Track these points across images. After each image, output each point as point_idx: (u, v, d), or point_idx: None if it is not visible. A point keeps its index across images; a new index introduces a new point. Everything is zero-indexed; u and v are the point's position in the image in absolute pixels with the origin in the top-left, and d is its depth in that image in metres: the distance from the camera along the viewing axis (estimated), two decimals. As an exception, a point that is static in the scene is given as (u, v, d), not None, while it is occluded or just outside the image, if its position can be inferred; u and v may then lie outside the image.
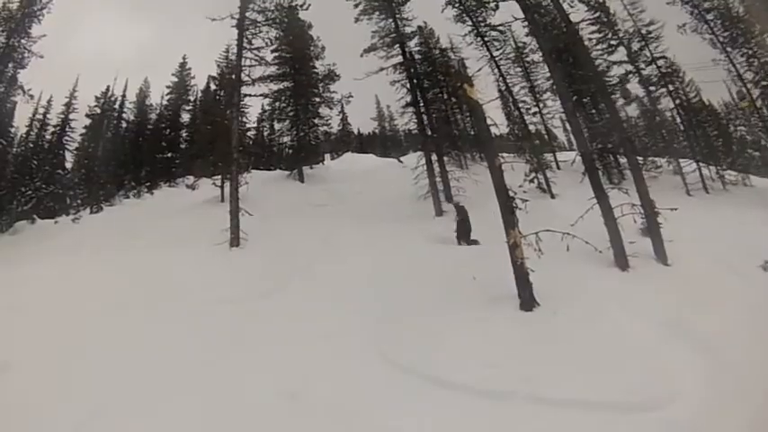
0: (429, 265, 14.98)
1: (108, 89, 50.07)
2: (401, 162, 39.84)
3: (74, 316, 12.31)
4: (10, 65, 34.97)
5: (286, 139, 43.99)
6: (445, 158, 27.51)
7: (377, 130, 67.98)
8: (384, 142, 64.81)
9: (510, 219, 11.52)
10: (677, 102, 29.83)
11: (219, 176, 30.79)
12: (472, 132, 36.33)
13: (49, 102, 47.62)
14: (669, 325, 10.01)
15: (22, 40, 35.21)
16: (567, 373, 8.29)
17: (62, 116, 47.52)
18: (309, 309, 12.60)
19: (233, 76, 26.71)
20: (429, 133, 27.74)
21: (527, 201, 12.45)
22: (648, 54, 29.13)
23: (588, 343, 9.27)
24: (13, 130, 43.98)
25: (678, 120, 30.70)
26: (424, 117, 27.77)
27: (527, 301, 11.17)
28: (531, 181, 23.53)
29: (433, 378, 8.57)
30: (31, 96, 37.14)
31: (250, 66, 25.18)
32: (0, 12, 34.27)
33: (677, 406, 7.56)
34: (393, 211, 24.14)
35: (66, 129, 47.04)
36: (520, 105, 32.00)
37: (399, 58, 28.00)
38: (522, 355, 9.05)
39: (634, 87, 29.62)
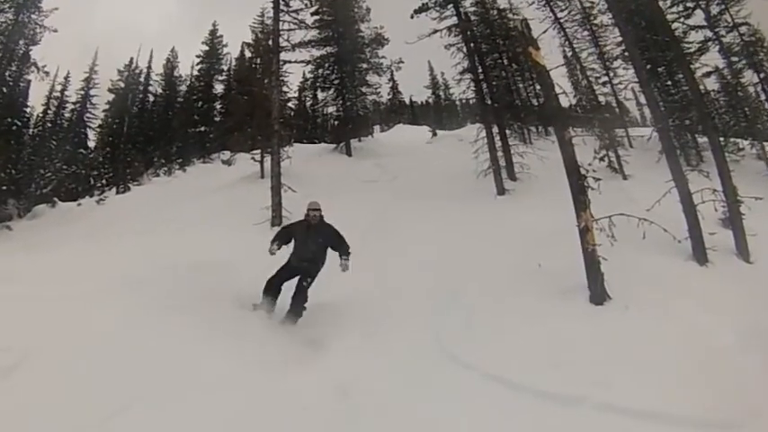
0: (491, 250, 14.59)
1: (131, 61, 50.32)
2: (434, 134, 40.67)
3: (100, 303, 11.72)
4: (21, 41, 35.53)
5: (331, 109, 43.50)
6: (507, 132, 26.51)
7: (431, 100, 67.18)
8: (439, 112, 64.01)
9: (581, 200, 11.05)
10: (762, 76, 27.99)
11: (259, 151, 30.82)
12: (536, 103, 36.19)
13: (66, 78, 48.16)
14: (750, 333, 9.41)
15: (33, 15, 35.63)
16: (641, 379, 7.84)
17: (82, 92, 48.15)
18: (361, 295, 12.59)
19: (270, 42, 26.61)
20: (489, 103, 26.87)
21: (600, 180, 11.94)
22: (729, 19, 27.30)
23: (662, 345, 8.73)
24: (28, 109, 44.13)
25: (763, 97, 28.94)
26: (483, 85, 26.84)
27: (597, 294, 10.65)
28: (602, 159, 22.90)
29: (495, 376, 8.20)
30: (47, 73, 37.54)
31: (288, 30, 25.16)
32: (6, -13, 33.77)
33: (758, 426, 7.16)
34: (450, 188, 23.56)
35: (87, 105, 47.56)
36: (588, 74, 31.35)
37: (454, 20, 27.12)
38: (592, 355, 8.56)
39: (714, 57, 27.76)
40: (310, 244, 11.67)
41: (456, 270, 13.48)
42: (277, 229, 19.26)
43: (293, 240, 11.97)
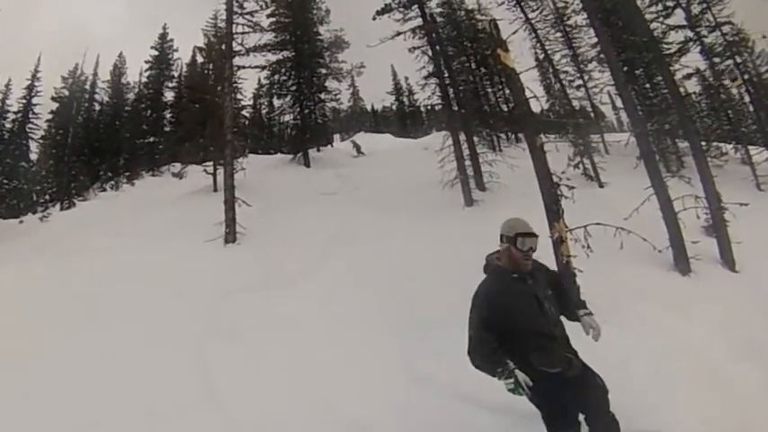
0: (458, 263, 13.11)
1: (76, 67, 49.95)
2: (361, 153, 39.98)
3: (44, 330, 12.29)
4: (-42, 47, 34.84)
5: (288, 117, 43.45)
6: (475, 139, 26.13)
7: (394, 106, 67.44)
8: (403, 119, 64.28)
9: (554, 209, 11.01)
10: (745, 77, 28.10)
11: (211, 163, 30.82)
12: (506, 108, 36.22)
13: (7, 86, 47.72)
14: (739, 343, 9.53)
15: None
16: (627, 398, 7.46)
17: (23, 101, 47.55)
18: (319, 314, 12.54)
19: (223, 46, 26.28)
20: (455, 109, 26.58)
21: (574, 188, 12.10)
22: (711, 18, 27.15)
23: (647, 361, 8.75)
24: (-36, 121, 42.64)
25: (747, 99, 29.19)
26: (450, 90, 26.44)
27: None
28: (576, 166, 22.90)
29: (469, 397, 8.28)
30: None
31: (243, 33, 24.84)
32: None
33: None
34: (415, 200, 23.29)
35: (30, 115, 47.17)
36: (561, 77, 31.51)
37: (419, 21, 26.49)
38: None
39: (695, 58, 27.54)
40: (548, 309, 6.12)
41: (423, 288, 13.17)
42: (232, 246, 19.83)
43: (511, 318, 5.99)
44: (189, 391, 9.35)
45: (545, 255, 10.38)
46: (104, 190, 42.06)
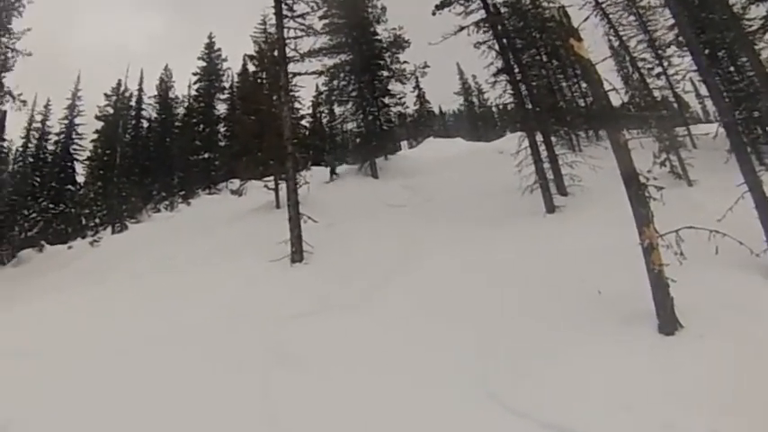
0: (542, 276, 14.12)
1: (120, 84, 50.69)
2: (334, 173, 38.37)
3: (96, 359, 12.57)
4: (-9, 68, 34.84)
5: (351, 125, 42.85)
6: (553, 139, 25.61)
7: (463, 108, 66.94)
8: (474, 122, 63.73)
9: (643, 213, 10.49)
10: None
11: (272, 177, 30.95)
12: (583, 104, 35.86)
13: (46, 106, 48.94)
14: None
15: (2, 39, 35.30)
16: (725, 422, 7.55)
17: (65, 122, 48.80)
18: (389, 336, 12.31)
19: (275, 53, 26.19)
20: (529, 107, 26.01)
21: (662, 188, 11.49)
22: None
23: (746, 381, 8.30)
24: (5, 144, 45.04)
25: None
26: (522, 86, 25.80)
27: (667, 322, 10.15)
28: (663, 163, 22.36)
29: (555, 426, 8.04)
30: (24, 102, 36.99)
31: (295, 38, 24.42)
32: (-30, 10, 33.77)
33: None
34: (491, 209, 22.93)
35: (73, 136, 48.32)
36: (639, 65, 30.66)
37: (482, 13, 25.92)
38: (664, 395, 8.26)
39: None
40: None
41: (503, 301, 13.01)
42: (299, 265, 19.66)
43: None
44: (249, 421, 9.34)
45: (636, 264, 10.48)
46: (158, 211, 42.58)
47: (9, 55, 35.52)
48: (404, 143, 53.34)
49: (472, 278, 15.05)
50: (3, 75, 35.84)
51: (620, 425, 7.80)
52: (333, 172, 37.90)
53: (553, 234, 18.42)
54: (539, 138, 24.07)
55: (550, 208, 22.24)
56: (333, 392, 9.97)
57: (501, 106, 30.57)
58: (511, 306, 12.74)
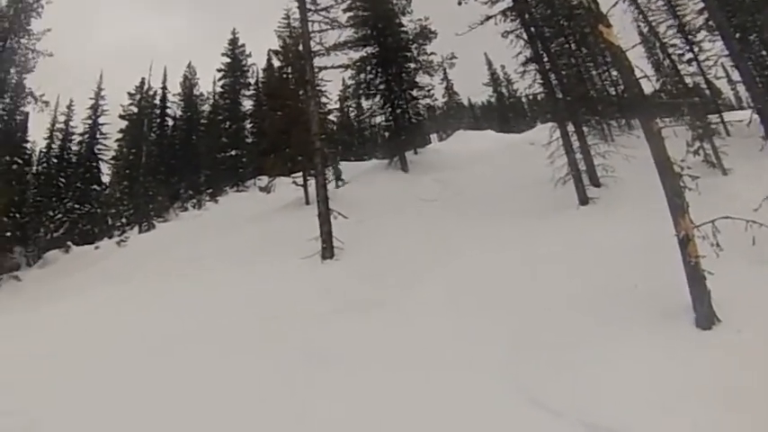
0: (577, 270, 14.02)
1: (143, 82, 50.79)
2: (341, 180, 36.74)
3: (123, 358, 12.66)
4: (12, 70, 35.88)
5: (379, 119, 42.56)
6: (584, 129, 25.14)
7: (492, 99, 66.61)
8: (504, 113, 63.38)
9: (678, 204, 10.26)
10: None
11: (301, 173, 31.18)
12: (614, 92, 35.39)
13: (69, 107, 49.25)
14: None
15: (22, 40, 35.95)
16: (761, 419, 7.49)
17: (89, 122, 49.11)
18: (424, 334, 12.26)
19: (300, 47, 26.53)
20: (560, 96, 25.58)
21: (697, 177, 11.39)
22: None
23: None
24: (28, 145, 45.36)
25: None
26: (552, 76, 25.47)
27: (704, 316, 9.98)
28: (696, 152, 21.67)
29: (592, 425, 7.90)
30: (46, 103, 37.64)
31: (320, 31, 24.58)
32: (-14, 12, 33.79)
33: None
34: (524, 202, 22.90)
35: (97, 135, 48.72)
36: (669, 51, 30.32)
37: (508, 1, 25.58)
38: (701, 392, 8.11)
39: None
40: None
41: (537, 296, 13.04)
42: (330, 262, 19.65)
43: None
44: (280, 420, 9.29)
45: (672, 256, 10.26)
46: (186, 209, 43.22)
47: (29, 56, 36.03)
48: (433, 136, 53.30)
49: (504, 273, 14.97)
50: (24, 76, 36.43)
51: (658, 423, 7.70)
52: (338, 178, 36.43)
53: (587, 227, 18.26)
54: (570, 128, 23.78)
55: (584, 200, 22.08)
56: (364, 390, 9.96)
57: (531, 96, 30.22)
58: (544, 300, 12.72)
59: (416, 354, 11.23)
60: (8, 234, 33.72)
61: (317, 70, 25.18)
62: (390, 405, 9.30)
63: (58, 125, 49.38)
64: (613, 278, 12.82)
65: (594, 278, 13.22)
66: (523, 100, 55.40)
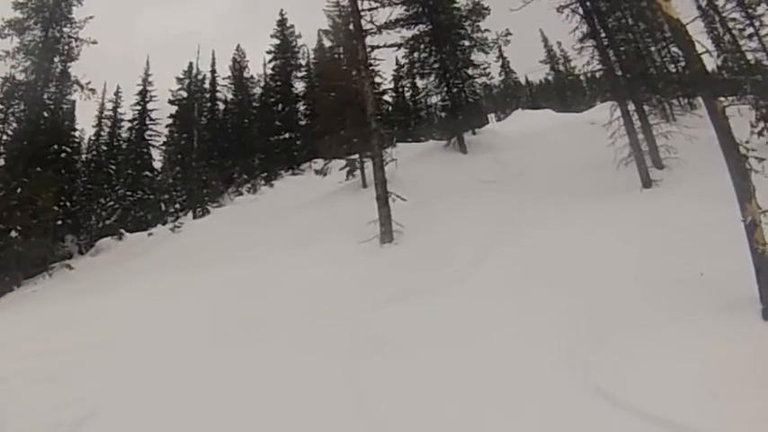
0: (640, 255, 13.74)
1: (191, 66, 51.71)
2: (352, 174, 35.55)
3: (181, 347, 13.03)
4: (56, 59, 36.48)
5: (435, 98, 42.39)
6: (645, 108, 24.08)
7: (550, 77, 66.12)
8: (562, 91, 62.86)
9: (744, 187, 9.80)
10: None
11: (357, 155, 31.24)
12: (673, 69, 34.70)
13: (117, 94, 50.16)
14: None
15: (64, 29, 36.75)
16: None
17: (138, 108, 49.86)
18: (485, 319, 12.17)
19: (351, 26, 26.15)
20: (619, 74, 24.58)
21: (763, 159, 11.01)
22: None
23: None
24: (76, 133, 46.02)
25: None
26: (610, 52, 24.47)
27: None
28: (761, 133, 20.66)
29: (650, 416, 7.68)
30: (92, 91, 38.42)
31: (370, 9, 24.28)
32: (27, 1, 35.38)
33: None
34: (585, 184, 22.55)
35: (147, 121, 49.42)
36: (730, 26, 29.69)
37: None
38: (763, 387, 7.76)
39: None
40: None
41: (599, 280, 12.91)
42: (389, 246, 19.67)
43: None
44: (339, 410, 9.24)
45: (739, 242, 9.93)
46: (240, 194, 43.57)
47: (73, 44, 36.66)
48: (491, 116, 52.96)
49: (566, 256, 14.97)
50: (68, 64, 37.05)
51: (718, 416, 7.44)
52: (350, 173, 34.95)
53: (651, 210, 17.76)
54: (630, 107, 22.97)
55: (646, 182, 21.31)
56: (424, 378, 9.89)
57: (589, 74, 29.34)
58: (606, 284, 12.62)
59: (477, 339, 11.19)
60: (59, 222, 34.55)
61: (369, 49, 24.89)
62: (452, 394, 9.25)
63: (106, 112, 50.51)
64: (678, 264, 12.58)
65: (658, 263, 13.04)
66: (581, 78, 54.42)
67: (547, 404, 8.49)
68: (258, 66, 58.04)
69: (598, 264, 13.87)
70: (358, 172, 31.82)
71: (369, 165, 26.03)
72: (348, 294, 15.22)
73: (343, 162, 33.01)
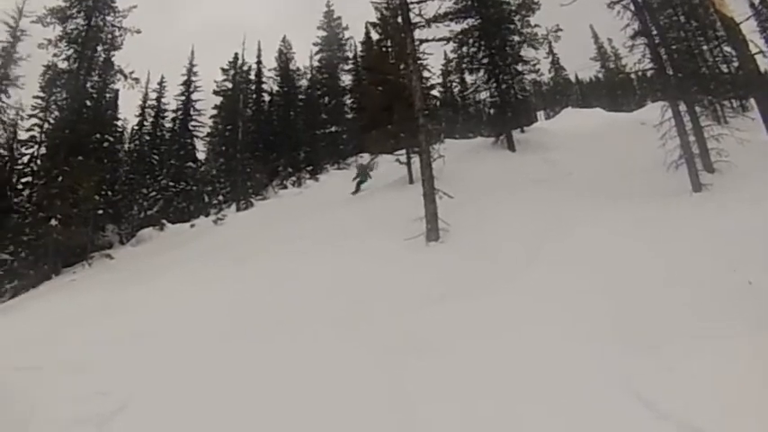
0: (688, 260, 13.37)
1: (236, 57, 52.12)
2: (361, 186, 35.41)
3: (218, 339, 13.11)
4: (99, 48, 37.19)
5: (484, 94, 42.22)
6: (696, 109, 23.29)
7: (600, 75, 65.87)
8: (612, 90, 62.63)
9: None
10: None
11: (404, 151, 31.12)
12: (726, 69, 34.37)
13: (161, 83, 50.90)
14: None
15: (107, 17, 37.47)
16: None
17: (182, 98, 50.61)
18: (535, 322, 11.67)
19: (399, 19, 26.09)
20: (670, 73, 23.90)
21: None
22: None
23: None
24: (119, 123, 46.43)
25: None
26: (661, 50, 23.92)
27: None
28: None
29: (694, 429, 7.36)
30: (136, 80, 38.97)
31: (419, 2, 24.08)
32: (71, -10, 34.78)
33: None
34: (635, 186, 22.32)
35: (191, 112, 50.21)
36: None
37: None
38: None
39: None
40: None
41: (643, 286, 12.48)
42: (435, 245, 19.51)
43: None
44: (380, 418, 8.86)
45: None
46: (285, 187, 44.07)
47: (116, 33, 37.35)
48: (540, 114, 52.95)
49: (614, 259, 14.72)
50: (112, 53, 37.88)
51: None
52: (359, 184, 35.42)
53: (701, 215, 17.35)
54: (682, 107, 22.54)
55: (697, 186, 20.82)
56: (470, 381, 9.58)
57: (640, 73, 29.17)
58: (651, 290, 12.22)
59: (520, 340, 10.89)
60: (100, 212, 35.13)
61: (417, 43, 24.69)
62: (489, 390, 9.15)
63: (149, 102, 51.22)
64: (727, 271, 12.08)
65: (707, 270, 12.54)
66: (632, 76, 54.03)
67: (585, 407, 8.33)
68: (304, 58, 58.91)
69: (644, 267, 13.69)
70: (403, 168, 31.75)
71: (415, 161, 26.41)
72: (391, 292, 15.14)
73: (390, 157, 32.86)
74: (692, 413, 7.65)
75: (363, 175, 35.39)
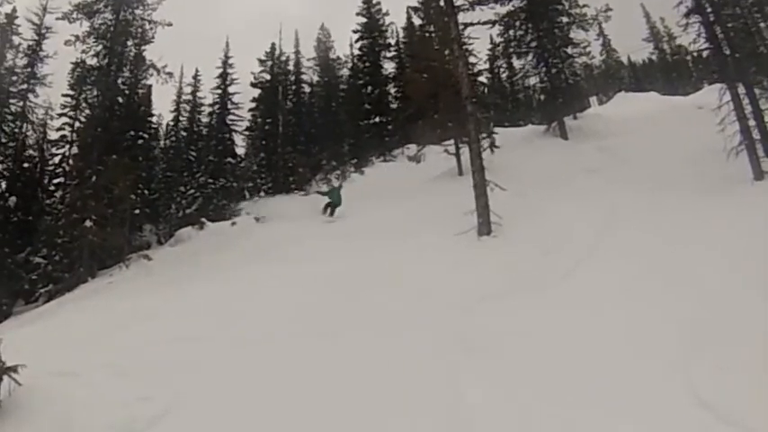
0: (752, 257, 12.71)
1: (273, 48, 51.67)
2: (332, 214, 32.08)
3: (265, 343, 12.88)
4: (129, 42, 37.23)
5: (533, 80, 42.21)
6: (756, 91, 22.62)
7: (653, 56, 65.20)
8: (667, 72, 61.93)
9: None
10: None
11: (452, 141, 31.10)
12: None
13: (195, 77, 51.03)
14: None
15: (136, 11, 37.43)
16: None
17: (218, 91, 50.28)
18: (590, 322, 11.68)
19: (441, 3, 26.10)
20: (727, 53, 23.33)
21: None
22: None
23: None
24: (154, 119, 46.81)
25: None
26: (717, 29, 23.45)
27: None
28: None
29: None
30: (170, 75, 38.72)
31: None
32: (96, -16, 35.08)
33: None
34: (693, 173, 22.03)
35: (228, 106, 49.78)
36: None
37: None
38: None
39: None
40: None
41: (709, 282, 12.29)
42: (487, 239, 19.43)
43: None
44: (435, 417, 8.96)
45: None
46: (329, 181, 43.16)
47: (146, 27, 37.37)
48: (592, 99, 52.41)
49: (677, 254, 14.49)
50: (143, 48, 37.99)
51: None
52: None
53: (761, 206, 16.55)
54: (740, 90, 22.09)
55: (758, 174, 20.47)
56: (527, 385, 9.56)
57: (695, 53, 28.73)
58: (717, 288, 12.02)
59: (579, 341, 10.94)
60: (137, 211, 35.27)
61: (461, 27, 24.67)
62: (544, 392, 9.22)
63: (184, 97, 51.58)
64: None
65: None
66: (687, 58, 53.56)
67: (646, 411, 8.37)
68: (344, 46, 58.52)
69: (706, 262, 13.51)
70: (451, 159, 31.78)
71: (464, 151, 26.58)
72: (443, 290, 15.02)
73: (438, 148, 32.66)
74: (754, 420, 7.62)
75: (332, 193, 32.53)
